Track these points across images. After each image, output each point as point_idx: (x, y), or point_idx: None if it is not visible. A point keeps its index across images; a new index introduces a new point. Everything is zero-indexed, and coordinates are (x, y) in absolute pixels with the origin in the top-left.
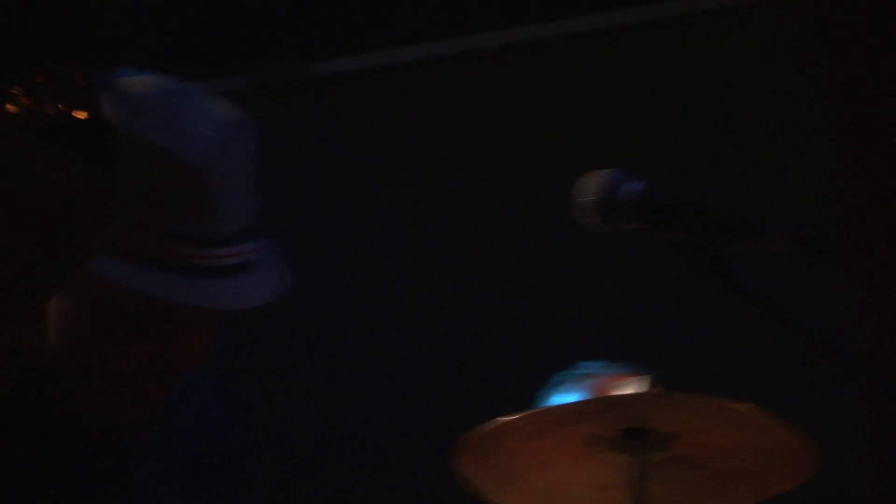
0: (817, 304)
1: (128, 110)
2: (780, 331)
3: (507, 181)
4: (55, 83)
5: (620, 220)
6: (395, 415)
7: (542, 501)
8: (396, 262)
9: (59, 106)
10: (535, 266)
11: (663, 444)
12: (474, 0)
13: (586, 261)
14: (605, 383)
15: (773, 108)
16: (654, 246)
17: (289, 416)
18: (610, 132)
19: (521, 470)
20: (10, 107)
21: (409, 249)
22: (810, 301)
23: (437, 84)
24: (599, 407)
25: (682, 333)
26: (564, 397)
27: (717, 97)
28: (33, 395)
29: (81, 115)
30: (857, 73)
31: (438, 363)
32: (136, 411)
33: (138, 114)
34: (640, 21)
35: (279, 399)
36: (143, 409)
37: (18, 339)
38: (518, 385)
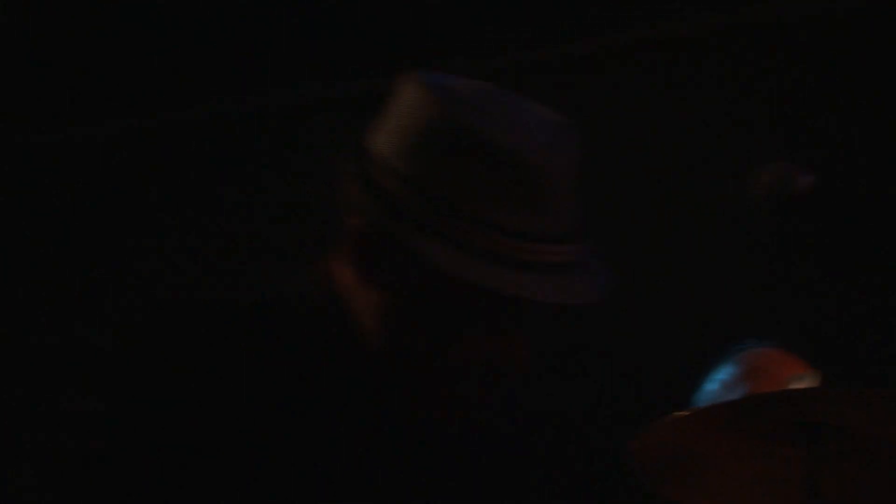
0: None
1: (465, 109)
2: None
3: (667, 171)
4: None
5: (794, 213)
6: (568, 409)
7: (713, 496)
8: None
9: None
10: (698, 251)
11: (835, 438)
12: None
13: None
14: (759, 360)
15: None
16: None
17: None
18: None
19: (694, 465)
20: None
21: None
22: None
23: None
24: (771, 402)
25: (849, 324)
26: (720, 374)
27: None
28: (367, 389)
29: None
30: None
31: (607, 357)
32: (458, 409)
33: (476, 112)
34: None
35: None
36: (466, 407)
37: None
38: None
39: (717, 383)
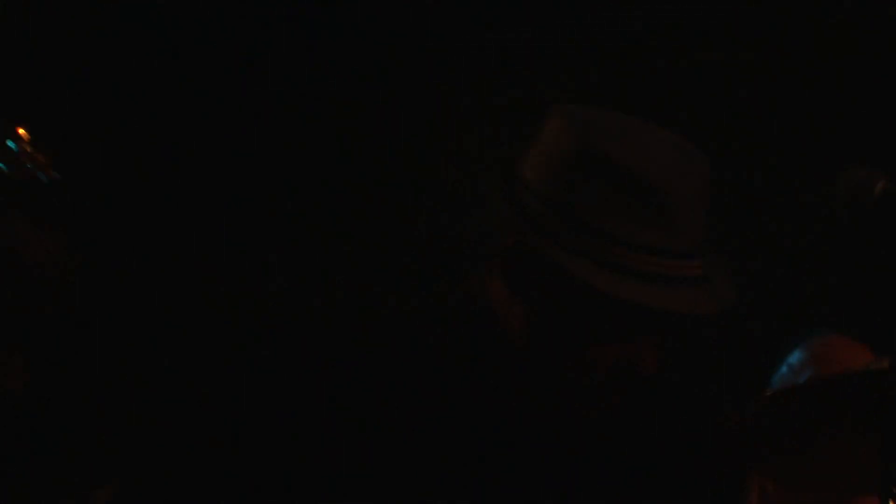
0: None
1: (601, 138)
2: None
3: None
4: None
5: (874, 219)
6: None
7: (803, 475)
8: None
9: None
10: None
11: None
12: None
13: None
14: (825, 346)
15: None
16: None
17: None
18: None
19: (784, 444)
20: None
21: None
22: None
23: None
24: (861, 383)
25: None
26: (791, 359)
27: None
28: (515, 392)
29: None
30: None
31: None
32: (596, 413)
33: (610, 139)
34: None
35: None
36: (603, 411)
37: None
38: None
39: (787, 367)
